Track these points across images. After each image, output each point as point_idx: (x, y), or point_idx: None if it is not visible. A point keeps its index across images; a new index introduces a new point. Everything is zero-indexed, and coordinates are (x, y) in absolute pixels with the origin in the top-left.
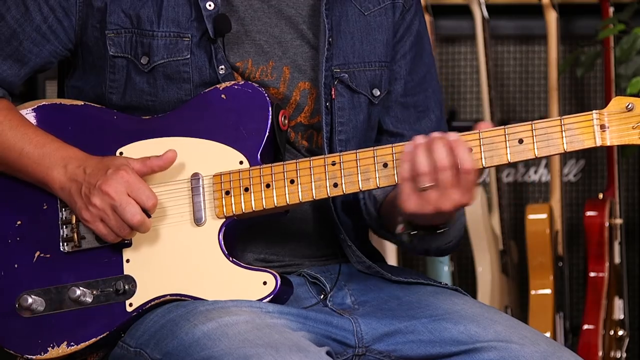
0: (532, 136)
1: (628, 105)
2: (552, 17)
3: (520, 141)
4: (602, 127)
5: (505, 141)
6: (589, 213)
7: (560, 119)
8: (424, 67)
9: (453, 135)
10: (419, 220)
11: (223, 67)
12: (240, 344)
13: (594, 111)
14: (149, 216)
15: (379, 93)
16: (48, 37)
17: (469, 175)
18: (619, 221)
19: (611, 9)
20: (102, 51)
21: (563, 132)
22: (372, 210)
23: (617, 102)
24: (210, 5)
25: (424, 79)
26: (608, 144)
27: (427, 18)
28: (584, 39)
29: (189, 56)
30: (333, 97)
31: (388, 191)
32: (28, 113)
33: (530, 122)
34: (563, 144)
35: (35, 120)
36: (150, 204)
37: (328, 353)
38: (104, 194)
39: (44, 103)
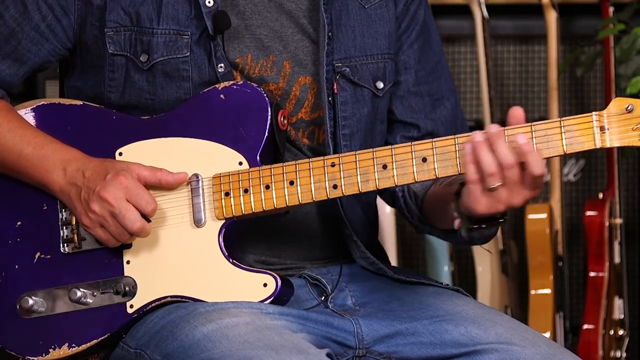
0: (532, 137)
1: (628, 107)
2: (552, 17)
3: None
4: (602, 128)
5: (505, 143)
6: (589, 213)
7: (560, 121)
8: (435, 55)
9: (522, 139)
10: (483, 212)
11: (222, 65)
12: (241, 345)
13: (593, 113)
14: (148, 221)
15: (382, 85)
16: (47, 36)
17: (540, 179)
18: (619, 221)
19: (611, 9)
20: (101, 50)
21: (563, 134)
22: (413, 207)
23: (617, 104)
24: (209, 2)
25: (436, 68)
26: (608, 145)
27: None
28: (584, 38)
29: (188, 54)
30: (335, 91)
31: (428, 186)
32: (27, 113)
33: (529, 124)
34: (563, 145)
35: (33, 120)
36: (150, 209)
37: (328, 355)
38: (103, 201)
39: (42, 103)
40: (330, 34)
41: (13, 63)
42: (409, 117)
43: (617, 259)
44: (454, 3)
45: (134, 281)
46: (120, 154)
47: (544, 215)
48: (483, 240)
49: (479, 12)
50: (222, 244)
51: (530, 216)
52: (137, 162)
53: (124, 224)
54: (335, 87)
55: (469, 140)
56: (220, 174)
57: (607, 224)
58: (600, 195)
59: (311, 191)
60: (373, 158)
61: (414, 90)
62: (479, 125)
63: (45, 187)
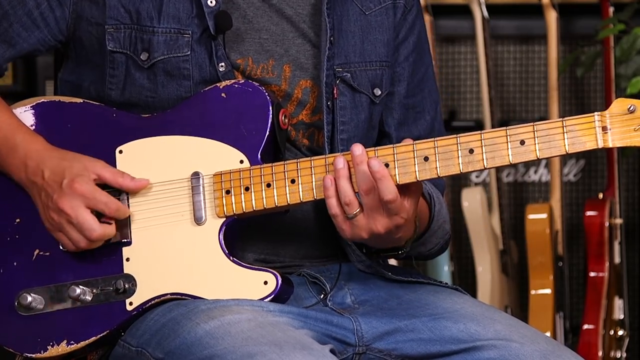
0: (534, 137)
1: (630, 107)
2: (552, 17)
3: (522, 142)
4: (604, 129)
5: (507, 142)
6: (589, 213)
7: (562, 121)
8: (423, 67)
9: (374, 165)
10: (372, 246)
11: (223, 64)
12: (244, 342)
13: (595, 113)
14: (118, 220)
15: (380, 92)
16: (38, 24)
17: (392, 204)
18: (619, 221)
19: (611, 9)
20: (97, 46)
21: (565, 134)
22: None
23: (619, 104)
24: (211, 2)
25: (422, 80)
26: (610, 145)
27: (427, 18)
28: (584, 38)
29: (189, 53)
30: (335, 96)
31: None
32: (27, 110)
33: (532, 124)
34: (565, 145)
35: (33, 118)
36: (111, 210)
37: (331, 351)
38: (60, 210)
39: (42, 100)
40: (332, 38)
41: (1, 44)
42: (395, 131)
43: (617, 259)
44: (454, 3)
45: (134, 278)
46: (121, 151)
47: (544, 215)
48: (422, 258)
49: (479, 12)
50: (223, 241)
51: (531, 216)
52: (102, 162)
53: (83, 234)
54: (335, 91)
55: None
56: (221, 172)
57: (607, 224)
58: (600, 195)
59: (313, 189)
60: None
61: (404, 102)
62: (479, 126)
63: (13, 178)
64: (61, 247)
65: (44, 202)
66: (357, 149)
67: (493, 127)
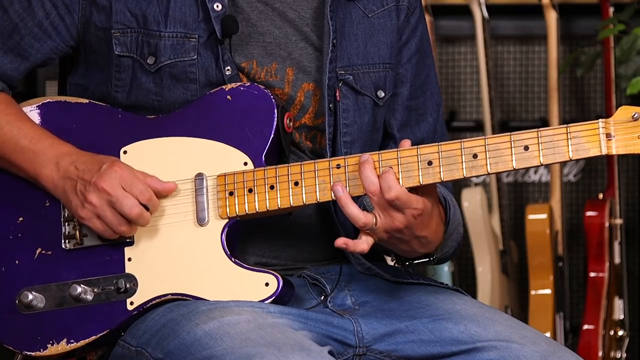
0: (538, 143)
1: (634, 115)
2: (552, 17)
3: (526, 148)
4: (608, 135)
5: (511, 148)
6: (589, 213)
7: (567, 127)
8: (425, 69)
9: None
10: (405, 255)
11: (229, 68)
12: (243, 343)
13: (600, 120)
14: (147, 210)
15: (383, 95)
16: (49, 33)
17: (398, 202)
18: (619, 221)
19: (611, 9)
20: (106, 50)
21: (569, 140)
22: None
23: (623, 112)
24: (218, 7)
25: (424, 82)
26: (614, 152)
27: (427, 18)
28: (584, 39)
29: (195, 57)
30: (338, 98)
31: None
32: (32, 110)
33: (536, 130)
34: (569, 152)
35: (39, 118)
36: (144, 198)
37: (330, 352)
38: (100, 190)
39: (48, 100)
40: (334, 41)
41: (15, 58)
42: (398, 132)
43: (617, 260)
44: (454, 3)
45: (135, 278)
46: (125, 152)
47: (544, 216)
48: (437, 262)
49: (479, 12)
50: (225, 243)
51: (531, 216)
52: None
53: (121, 211)
54: (337, 94)
55: None
56: (225, 173)
57: (607, 224)
58: (600, 196)
59: (316, 192)
60: (379, 160)
61: (407, 104)
62: (479, 126)
63: (38, 182)
64: (100, 241)
65: (80, 191)
66: (365, 155)
67: (493, 127)
